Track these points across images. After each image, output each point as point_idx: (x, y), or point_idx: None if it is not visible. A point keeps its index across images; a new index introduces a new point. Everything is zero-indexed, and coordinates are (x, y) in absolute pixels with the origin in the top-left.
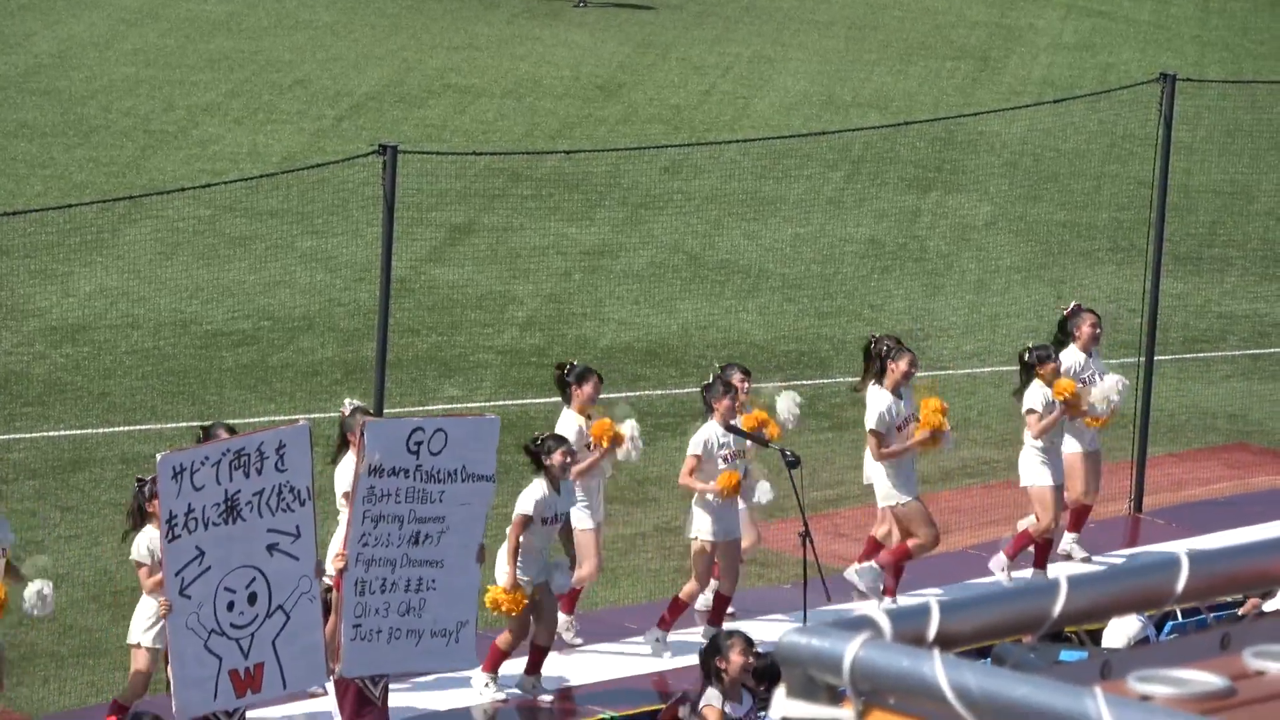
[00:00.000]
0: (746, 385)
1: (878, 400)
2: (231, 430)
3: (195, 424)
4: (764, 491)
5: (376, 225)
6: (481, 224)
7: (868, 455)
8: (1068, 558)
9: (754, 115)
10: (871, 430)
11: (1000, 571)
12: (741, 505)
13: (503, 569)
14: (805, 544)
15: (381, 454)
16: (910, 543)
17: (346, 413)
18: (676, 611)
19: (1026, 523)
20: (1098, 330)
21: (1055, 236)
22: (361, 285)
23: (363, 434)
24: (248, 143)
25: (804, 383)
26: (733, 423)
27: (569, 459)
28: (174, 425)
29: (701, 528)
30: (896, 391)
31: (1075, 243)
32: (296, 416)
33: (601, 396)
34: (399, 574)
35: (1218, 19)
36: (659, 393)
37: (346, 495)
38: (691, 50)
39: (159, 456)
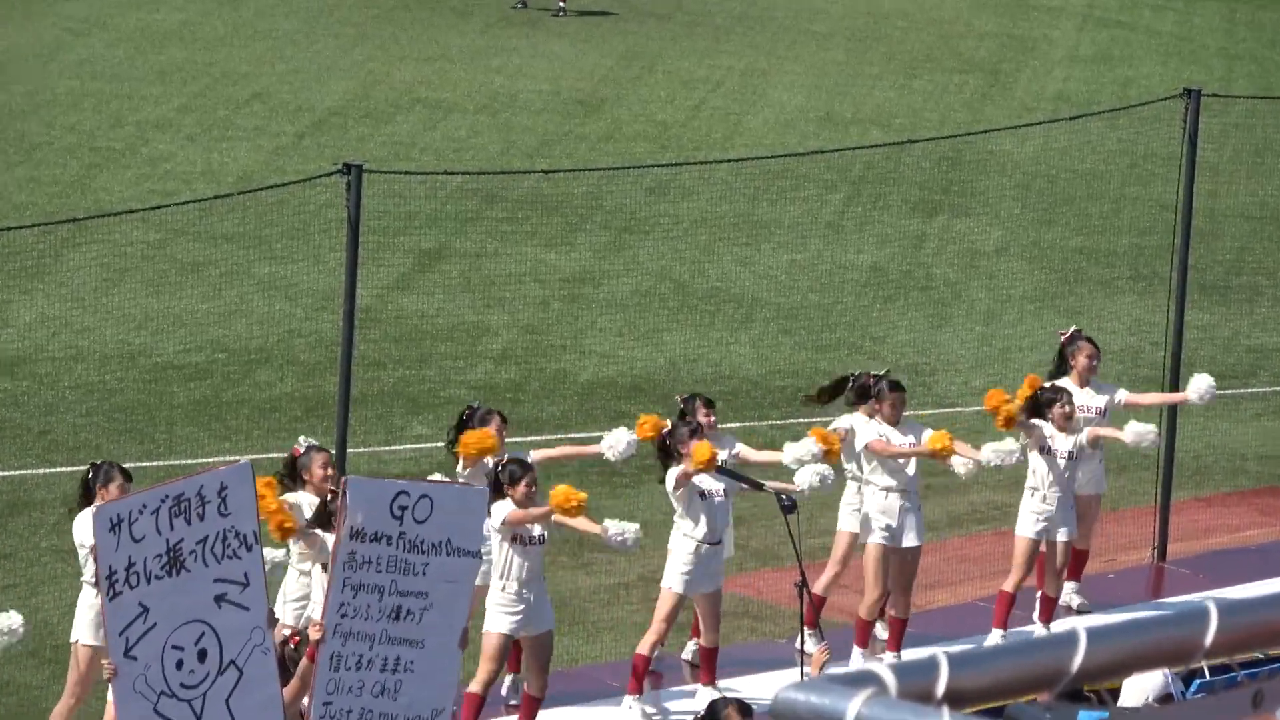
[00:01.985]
0: (711, 419)
1: (867, 427)
2: (125, 474)
3: (146, 464)
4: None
5: (340, 250)
6: (453, 249)
7: (847, 492)
8: (1068, 609)
9: (747, 133)
10: (867, 445)
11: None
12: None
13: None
14: (802, 595)
15: (364, 516)
16: (862, 606)
17: (300, 451)
18: (639, 670)
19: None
20: (1094, 362)
21: (1071, 264)
22: (323, 315)
23: (344, 492)
24: (201, 161)
25: (802, 420)
26: (723, 462)
27: (533, 489)
28: (121, 466)
29: (672, 576)
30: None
31: (1093, 270)
32: (252, 457)
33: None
34: (377, 651)
35: (1245, 30)
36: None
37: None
38: (680, 62)
39: (93, 508)
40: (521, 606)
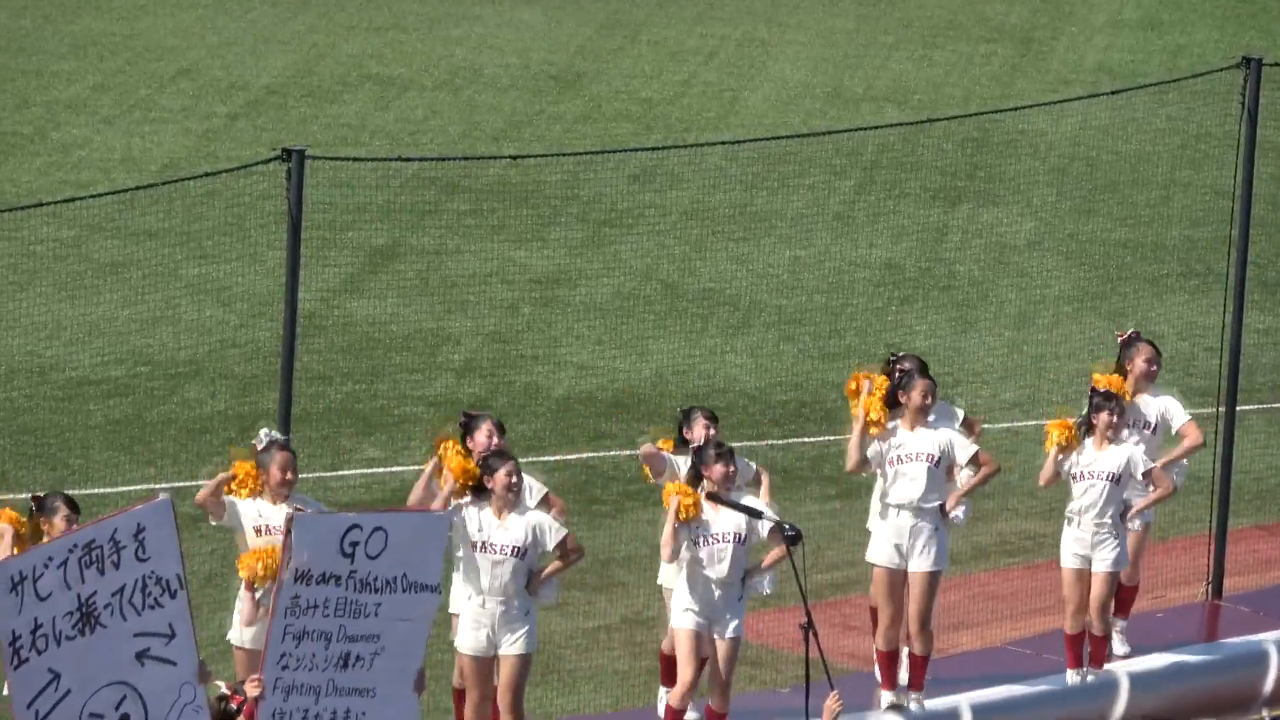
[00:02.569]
0: (713, 432)
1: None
2: (71, 503)
3: (59, 492)
4: (764, 583)
5: (280, 248)
6: (408, 246)
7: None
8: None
9: (744, 111)
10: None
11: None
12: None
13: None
14: (808, 638)
15: (310, 556)
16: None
17: (260, 447)
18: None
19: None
20: (1154, 367)
21: (1114, 259)
22: (261, 322)
23: (289, 532)
24: (121, 147)
25: (806, 440)
26: (725, 495)
27: (515, 480)
28: (29, 495)
29: (678, 614)
30: (914, 426)
31: (1139, 266)
32: (179, 485)
33: (562, 458)
34: (324, 705)
35: None
36: (626, 453)
37: None
38: (667, 32)
39: None
40: (488, 623)
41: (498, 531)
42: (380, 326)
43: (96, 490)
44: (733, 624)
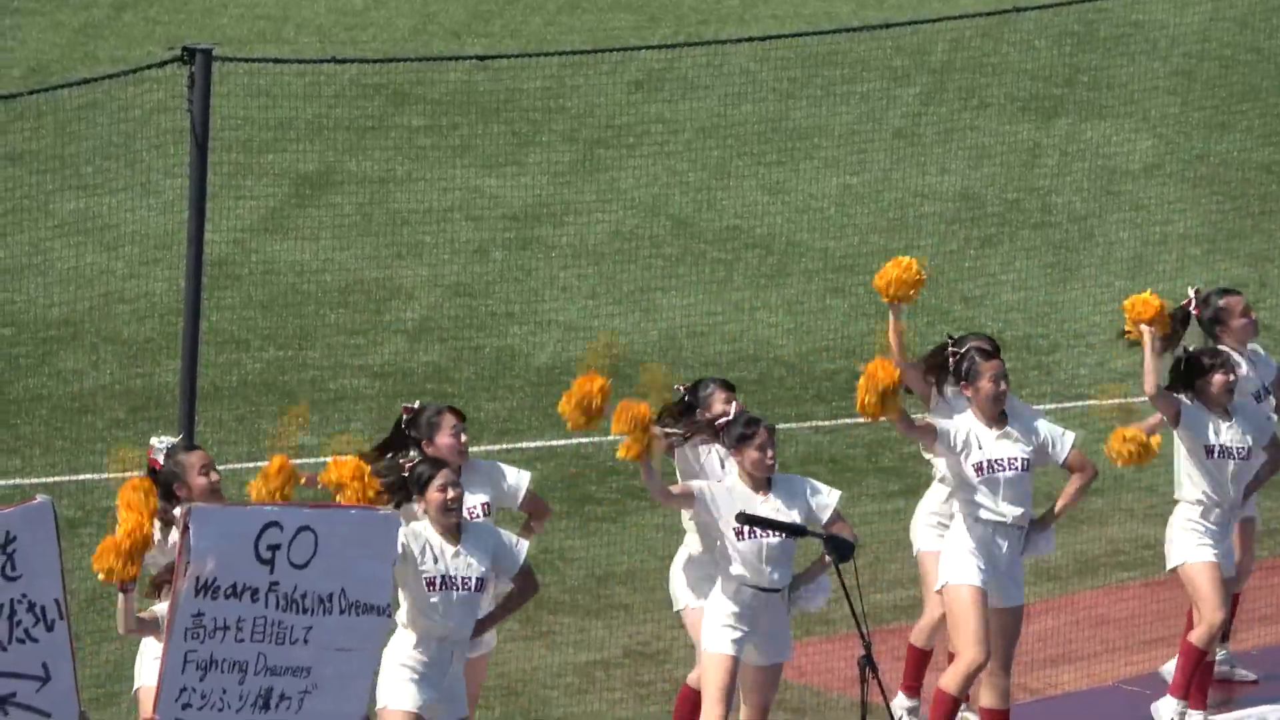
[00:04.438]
0: (735, 408)
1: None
2: None
3: None
4: (815, 592)
5: (180, 176)
6: (345, 173)
7: (921, 505)
8: (1226, 681)
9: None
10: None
11: (1172, 718)
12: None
13: None
14: (865, 674)
15: (216, 561)
16: (952, 677)
17: (160, 460)
18: None
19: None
20: (1249, 320)
21: (1256, 187)
22: (157, 270)
23: (187, 528)
24: None
25: (861, 421)
26: (751, 512)
27: (452, 494)
28: None
29: (713, 632)
30: (990, 421)
31: None
32: (53, 480)
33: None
34: None
35: None
36: (612, 439)
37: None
38: None
39: None
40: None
41: (447, 559)
42: (310, 276)
43: None
44: (781, 645)
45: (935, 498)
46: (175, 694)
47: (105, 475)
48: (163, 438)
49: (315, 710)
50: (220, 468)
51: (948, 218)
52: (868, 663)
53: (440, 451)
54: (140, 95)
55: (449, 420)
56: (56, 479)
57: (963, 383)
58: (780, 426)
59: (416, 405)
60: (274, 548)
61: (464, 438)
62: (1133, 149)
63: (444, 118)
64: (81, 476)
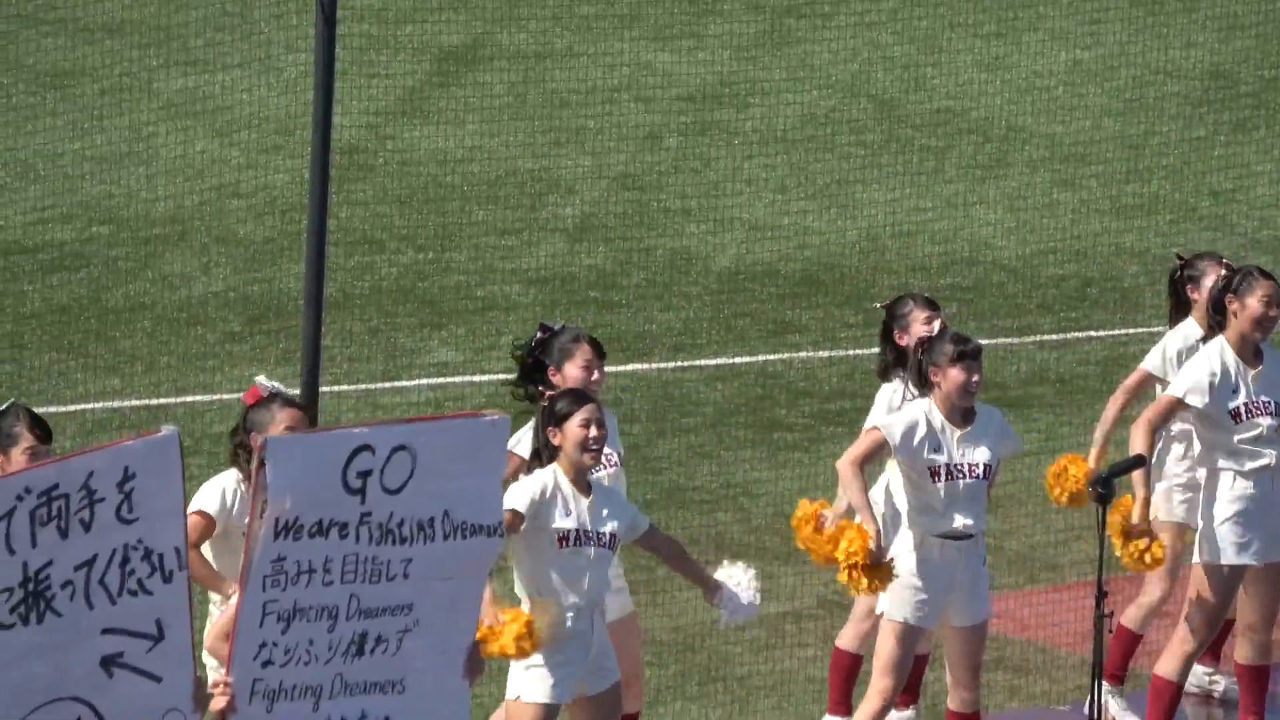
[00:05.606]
0: (936, 326)
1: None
2: (40, 425)
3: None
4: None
5: (305, 51)
6: (496, 46)
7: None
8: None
9: None
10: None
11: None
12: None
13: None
14: (1100, 628)
15: (297, 497)
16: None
17: (261, 394)
18: None
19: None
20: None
21: None
22: (278, 160)
23: (261, 464)
24: None
25: (1095, 334)
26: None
27: (595, 432)
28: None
29: (893, 598)
30: (1244, 353)
31: None
32: (160, 402)
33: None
34: (326, 712)
35: None
36: (824, 354)
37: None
38: None
39: None
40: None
41: (583, 509)
42: (454, 167)
43: (29, 406)
44: (979, 601)
45: (1172, 460)
46: (253, 651)
47: (217, 396)
48: (265, 380)
49: (416, 649)
50: (351, 387)
51: (1194, 99)
52: (1101, 611)
53: (566, 383)
54: None
55: (585, 351)
56: (161, 400)
57: None
58: (1000, 341)
59: (558, 326)
60: (364, 474)
61: (596, 374)
62: None
63: None
64: (190, 398)
